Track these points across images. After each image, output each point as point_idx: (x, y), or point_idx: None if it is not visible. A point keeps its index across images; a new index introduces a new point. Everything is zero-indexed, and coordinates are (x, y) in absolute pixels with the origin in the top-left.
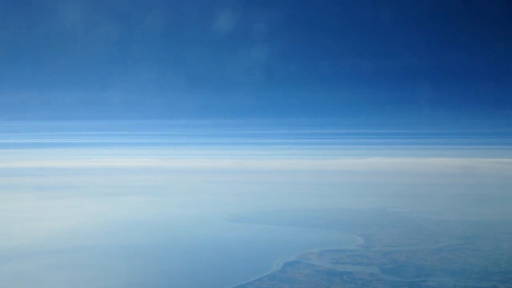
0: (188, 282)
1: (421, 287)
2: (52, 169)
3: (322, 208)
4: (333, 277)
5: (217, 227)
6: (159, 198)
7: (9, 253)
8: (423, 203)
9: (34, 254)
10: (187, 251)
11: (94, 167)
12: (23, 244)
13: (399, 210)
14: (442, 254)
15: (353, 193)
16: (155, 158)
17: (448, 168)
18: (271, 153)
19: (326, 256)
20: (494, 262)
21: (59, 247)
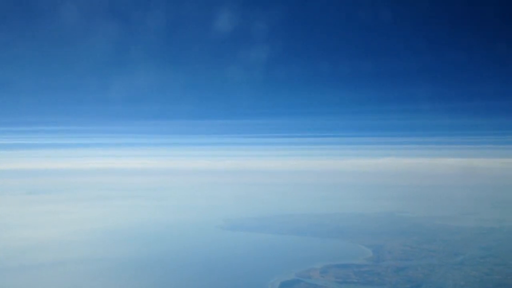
0: None
1: None
2: (44, 171)
3: (327, 213)
4: None
5: (208, 236)
6: (153, 202)
7: None
8: (435, 207)
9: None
10: (167, 266)
11: (88, 169)
12: None
13: (411, 216)
14: (464, 269)
15: (360, 196)
16: (152, 159)
17: (460, 168)
18: (274, 153)
19: (330, 273)
20: None
21: (33, 261)
